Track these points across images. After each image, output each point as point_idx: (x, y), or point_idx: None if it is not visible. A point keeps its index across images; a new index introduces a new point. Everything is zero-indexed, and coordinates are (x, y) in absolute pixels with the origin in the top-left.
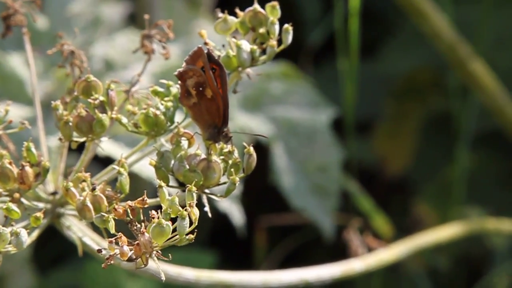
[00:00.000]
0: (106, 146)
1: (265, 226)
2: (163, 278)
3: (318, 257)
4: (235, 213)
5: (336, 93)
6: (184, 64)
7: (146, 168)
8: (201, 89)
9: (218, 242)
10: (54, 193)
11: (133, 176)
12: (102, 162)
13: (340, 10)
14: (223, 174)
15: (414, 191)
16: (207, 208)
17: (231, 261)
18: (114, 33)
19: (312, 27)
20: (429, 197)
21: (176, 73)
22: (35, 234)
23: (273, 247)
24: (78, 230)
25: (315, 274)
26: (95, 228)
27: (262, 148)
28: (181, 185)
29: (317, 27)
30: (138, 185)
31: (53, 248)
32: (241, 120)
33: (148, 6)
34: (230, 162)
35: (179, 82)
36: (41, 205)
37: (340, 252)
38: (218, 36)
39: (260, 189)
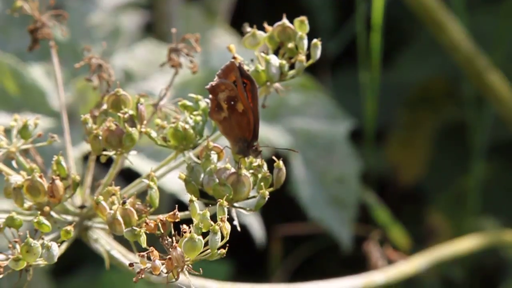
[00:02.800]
0: (132, 159)
1: (280, 235)
2: None
3: (332, 266)
4: (254, 224)
5: (352, 102)
6: (216, 78)
7: (169, 181)
8: (232, 103)
9: (233, 251)
10: (82, 207)
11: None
12: (122, 173)
13: (361, 20)
14: (253, 188)
15: (427, 201)
16: (236, 222)
17: (246, 270)
18: (133, 43)
19: (326, 36)
20: (442, 207)
21: (208, 86)
22: (64, 247)
23: (288, 256)
24: (105, 243)
25: (336, 286)
26: (121, 240)
27: (279, 159)
28: (210, 199)
29: (333, 37)
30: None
31: (68, 256)
32: (260, 131)
33: (166, 16)
34: (259, 176)
35: (211, 96)
36: (69, 218)
37: (354, 261)
38: (237, 48)
39: (276, 198)
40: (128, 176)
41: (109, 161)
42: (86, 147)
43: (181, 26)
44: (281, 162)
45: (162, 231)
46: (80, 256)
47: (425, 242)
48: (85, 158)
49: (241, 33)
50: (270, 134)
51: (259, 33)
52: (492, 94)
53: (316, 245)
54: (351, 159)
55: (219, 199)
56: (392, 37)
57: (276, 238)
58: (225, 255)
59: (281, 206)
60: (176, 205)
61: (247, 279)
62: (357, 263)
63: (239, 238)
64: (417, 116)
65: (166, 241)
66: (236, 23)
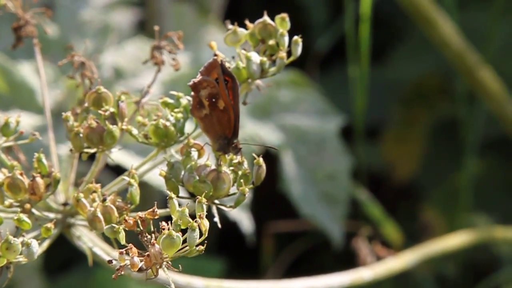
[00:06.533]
0: (117, 155)
1: (272, 232)
2: None
3: (324, 262)
4: (244, 221)
5: (343, 98)
6: (199, 75)
7: (156, 177)
8: (214, 100)
9: (225, 248)
10: (65, 204)
11: (142, 184)
12: (111, 169)
13: (350, 15)
14: (233, 185)
15: (422, 197)
16: (216, 219)
17: (238, 267)
18: (124, 41)
19: (319, 32)
20: (436, 203)
21: (190, 83)
22: (46, 244)
23: (280, 253)
24: (88, 240)
25: (324, 283)
26: (105, 238)
27: (270, 155)
28: (191, 196)
29: (324, 32)
30: (147, 192)
31: (61, 254)
32: (250, 128)
33: (157, 13)
34: (239, 173)
35: (192, 92)
36: (51, 215)
37: (346, 257)
38: (227, 45)
39: (267, 195)
40: (119, 173)
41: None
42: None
43: (173, 23)
44: (261, 159)
45: (142, 228)
46: (73, 254)
47: (419, 238)
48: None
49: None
50: (260, 131)
51: (240, 30)
52: (483, 90)
53: (309, 242)
54: (342, 155)
55: (199, 196)
56: (386, 34)
57: (268, 234)
58: (204, 251)
59: (273, 203)
60: (156, 202)
61: (239, 276)
62: (350, 259)
63: (233, 235)
64: (412, 112)
65: (145, 238)
66: (230, 21)
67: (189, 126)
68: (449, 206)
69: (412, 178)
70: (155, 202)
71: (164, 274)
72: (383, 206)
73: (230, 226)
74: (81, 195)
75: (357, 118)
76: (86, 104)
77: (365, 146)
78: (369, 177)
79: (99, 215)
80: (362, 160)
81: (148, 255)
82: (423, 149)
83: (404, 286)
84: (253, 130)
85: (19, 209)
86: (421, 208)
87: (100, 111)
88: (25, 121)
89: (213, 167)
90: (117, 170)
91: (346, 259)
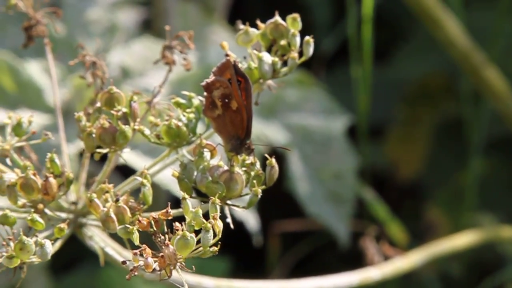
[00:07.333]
0: (125, 155)
1: (278, 231)
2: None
3: (330, 262)
4: (251, 220)
5: (348, 98)
6: (211, 75)
7: (165, 178)
8: (226, 100)
9: (231, 247)
10: (75, 203)
11: (151, 185)
12: (119, 169)
13: (353, 16)
14: (245, 186)
15: (426, 196)
16: (229, 220)
17: (243, 266)
18: (130, 40)
19: (323, 32)
20: (441, 202)
21: (203, 83)
22: (58, 244)
23: (286, 252)
24: (100, 240)
25: (332, 283)
26: (116, 237)
27: (276, 155)
28: (203, 196)
29: (330, 33)
30: (155, 193)
31: (67, 253)
32: (257, 128)
33: (163, 13)
34: (252, 173)
35: (205, 93)
36: (63, 215)
37: (352, 257)
38: (234, 45)
39: (273, 195)
40: (127, 172)
41: (106, 157)
42: (82, 144)
43: (178, 22)
44: (273, 160)
45: (155, 228)
46: (79, 253)
47: (423, 237)
48: (82, 154)
49: (238, 30)
50: (267, 130)
51: (252, 30)
52: (489, 89)
53: (315, 241)
54: (348, 154)
55: (212, 197)
56: (390, 33)
57: (274, 234)
58: (217, 252)
59: (279, 202)
60: (169, 203)
61: (245, 275)
62: (356, 259)
63: (238, 235)
64: (416, 112)
65: (159, 239)
66: (234, 20)
67: (199, 127)
68: (454, 205)
69: (416, 177)
70: (169, 203)
71: (177, 274)
72: (387, 205)
73: (236, 225)
74: (94, 195)
75: (360, 118)
76: (98, 104)
77: (369, 145)
78: (373, 176)
79: (112, 215)
80: (367, 160)
81: (162, 256)
82: (427, 149)
83: (409, 286)
84: (260, 129)
85: (32, 209)
86: (425, 207)
87: (112, 111)
88: (34, 120)
89: (226, 167)
90: (123, 170)
91: (352, 259)
